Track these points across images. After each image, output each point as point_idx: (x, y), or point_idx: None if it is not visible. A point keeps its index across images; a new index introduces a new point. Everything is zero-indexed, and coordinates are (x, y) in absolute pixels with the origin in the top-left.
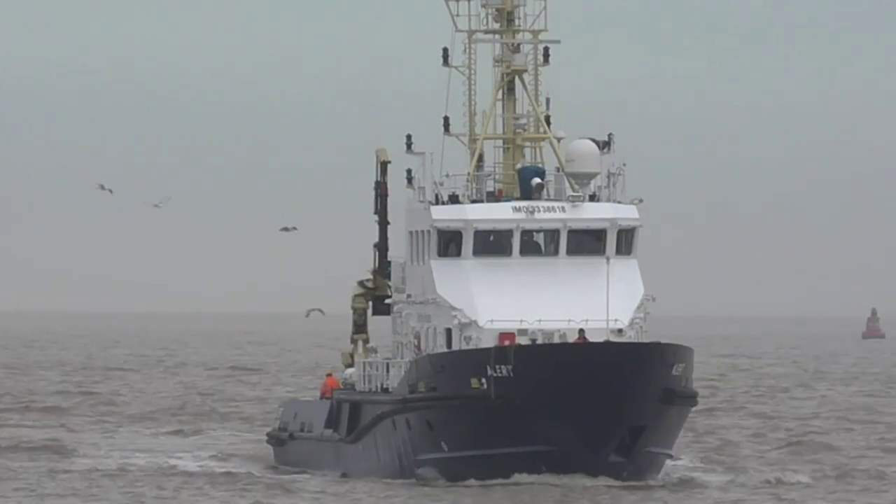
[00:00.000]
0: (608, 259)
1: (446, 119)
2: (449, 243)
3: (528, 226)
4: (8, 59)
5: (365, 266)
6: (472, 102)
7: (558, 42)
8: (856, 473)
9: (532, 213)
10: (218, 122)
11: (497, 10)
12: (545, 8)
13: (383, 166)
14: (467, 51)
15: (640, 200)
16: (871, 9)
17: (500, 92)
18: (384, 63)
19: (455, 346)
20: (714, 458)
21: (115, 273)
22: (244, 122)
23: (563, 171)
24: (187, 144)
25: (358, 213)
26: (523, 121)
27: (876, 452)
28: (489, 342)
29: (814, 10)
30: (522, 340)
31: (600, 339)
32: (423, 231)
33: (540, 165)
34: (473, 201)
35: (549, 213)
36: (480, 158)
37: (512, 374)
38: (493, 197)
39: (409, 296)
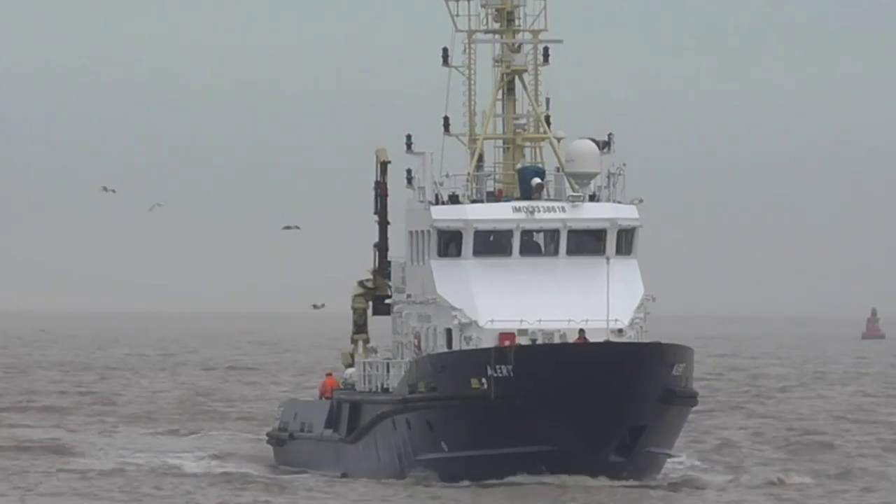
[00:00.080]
0: (608, 259)
1: (446, 119)
2: (449, 243)
3: (528, 226)
4: (8, 59)
5: (365, 266)
6: (472, 102)
7: (560, 42)
8: (855, 473)
9: (532, 213)
10: (218, 122)
11: (497, 10)
12: (545, 8)
13: (383, 166)
14: (467, 51)
15: (640, 200)
16: (871, 9)
17: (500, 92)
18: (384, 63)
19: (455, 347)
20: (714, 458)
21: (115, 273)
22: (244, 122)
23: (563, 171)
24: (187, 144)
25: (358, 213)
26: (523, 121)
27: (876, 452)
28: (489, 342)
29: (814, 10)
30: (522, 340)
31: (600, 339)
32: (423, 231)
33: (540, 165)
34: (473, 201)
35: (549, 213)
36: (480, 158)
37: (512, 375)
38: (493, 197)
39: (409, 296)
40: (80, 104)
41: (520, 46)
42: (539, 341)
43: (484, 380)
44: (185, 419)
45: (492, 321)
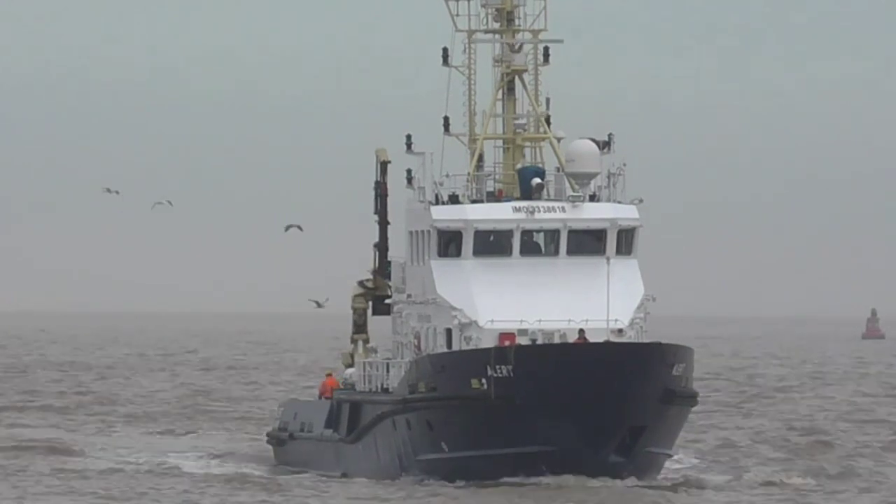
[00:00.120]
0: (608, 259)
1: (446, 119)
2: (449, 243)
3: (529, 226)
4: (8, 59)
5: (365, 266)
6: (472, 102)
7: (561, 42)
8: (855, 473)
9: (532, 213)
10: (218, 122)
11: (497, 9)
12: (545, 8)
13: (383, 166)
14: (467, 51)
15: (640, 200)
16: (871, 9)
17: (500, 92)
18: (384, 63)
19: (455, 347)
20: (714, 458)
21: (116, 273)
22: (244, 122)
23: (563, 171)
24: (187, 144)
25: (358, 213)
26: (523, 121)
27: (875, 452)
28: (489, 342)
29: (814, 10)
30: (522, 340)
31: (600, 340)
32: (423, 231)
33: (540, 165)
34: (473, 201)
35: (549, 213)
36: (480, 158)
37: (512, 375)
38: (493, 197)
39: (409, 296)
40: (80, 104)
41: (520, 46)
42: (539, 341)
43: (484, 380)
44: (184, 419)
45: (492, 321)
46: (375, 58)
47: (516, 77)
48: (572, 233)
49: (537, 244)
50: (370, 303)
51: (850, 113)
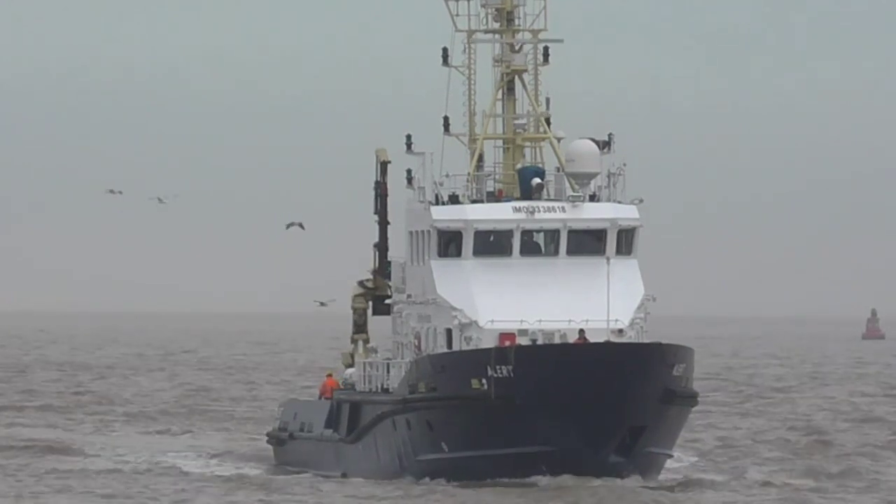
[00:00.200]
0: (608, 259)
1: (446, 119)
2: (449, 243)
3: (529, 226)
4: (8, 59)
5: (365, 266)
6: (472, 102)
7: (561, 41)
8: (855, 473)
9: (532, 213)
10: (218, 122)
11: (497, 9)
12: (545, 7)
13: (383, 166)
14: (467, 51)
15: (641, 200)
16: (871, 9)
17: (500, 92)
18: (384, 63)
19: (455, 347)
20: (713, 458)
21: (116, 273)
22: (244, 122)
23: (563, 171)
24: (187, 144)
25: (358, 213)
26: (523, 121)
27: (875, 452)
28: (489, 342)
29: (813, 10)
30: (523, 341)
31: (601, 340)
32: (423, 231)
33: (540, 165)
34: (473, 201)
35: (549, 214)
36: (480, 158)
37: (512, 375)
38: (493, 197)
39: (409, 296)
40: (80, 104)
41: (520, 46)
42: (539, 341)
43: (484, 380)
44: (183, 419)
45: (492, 321)
46: (375, 58)
47: (516, 77)
48: (572, 233)
49: (537, 244)
50: (370, 303)
51: (850, 113)
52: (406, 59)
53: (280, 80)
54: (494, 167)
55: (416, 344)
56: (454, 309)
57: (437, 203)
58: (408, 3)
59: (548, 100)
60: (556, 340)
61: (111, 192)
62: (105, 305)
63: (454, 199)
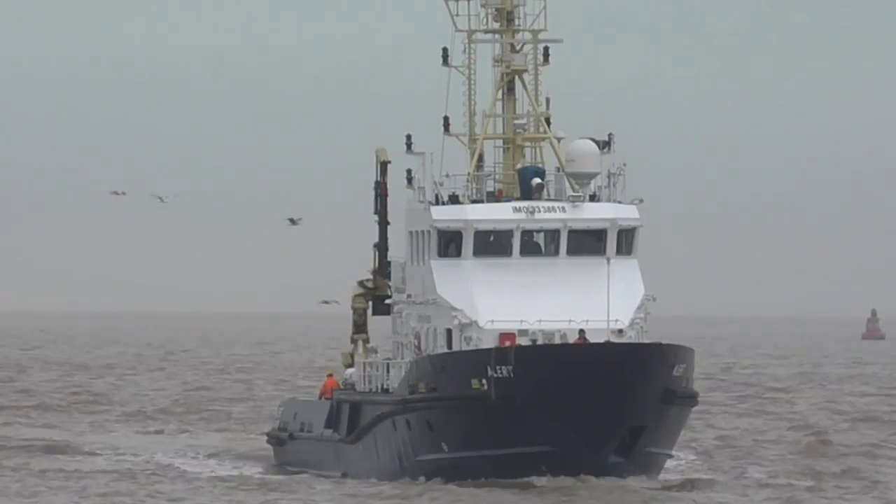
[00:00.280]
0: (608, 259)
1: (446, 119)
2: (449, 243)
3: (529, 226)
4: (8, 59)
5: (365, 266)
6: (472, 102)
7: (560, 41)
8: (855, 473)
9: (532, 213)
10: (218, 122)
11: (497, 9)
12: (545, 8)
13: (383, 166)
14: (467, 51)
15: (641, 200)
16: (871, 9)
17: (500, 92)
18: (384, 63)
19: (455, 347)
20: (714, 457)
21: (116, 273)
22: (244, 122)
23: (563, 171)
24: (187, 144)
25: (358, 213)
26: (523, 121)
27: (875, 452)
28: (489, 343)
29: (813, 10)
30: (523, 341)
31: (601, 340)
32: (423, 231)
33: (540, 165)
34: (473, 201)
35: (549, 214)
36: (480, 158)
37: (512, 375)
38: (494, 197)
39: (409, 296)
40: (80, 104)
41: (520, 47)
42: (539, 342)
43: (484, 380)
44: (182, 418)
45: (492, 321)
46: (375, 58)
47: (516, 77)
48: (572, 233)
49: (537, 244)
50: (370, 303)
51: (850, 113)
52: (406, 59)
53: (280, 80)
54: (494, 167)
55: (416, 344)
56: (454, 309)
57: (437, 203)
58: (408, 3)
59: (548, 100)
60: (557, 340)
61: (115, 193)
62: (105, 305)
63: (454, 199)
